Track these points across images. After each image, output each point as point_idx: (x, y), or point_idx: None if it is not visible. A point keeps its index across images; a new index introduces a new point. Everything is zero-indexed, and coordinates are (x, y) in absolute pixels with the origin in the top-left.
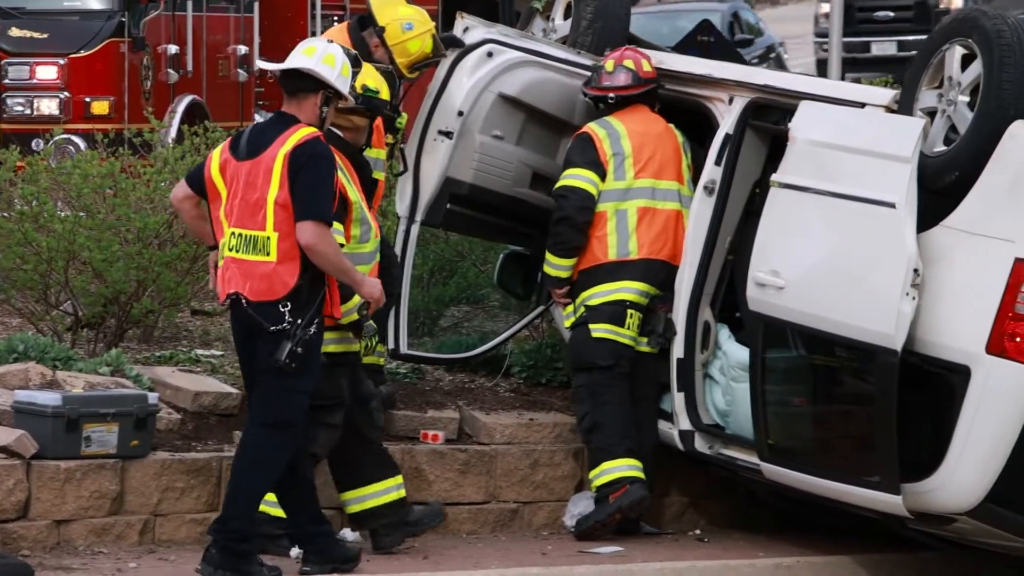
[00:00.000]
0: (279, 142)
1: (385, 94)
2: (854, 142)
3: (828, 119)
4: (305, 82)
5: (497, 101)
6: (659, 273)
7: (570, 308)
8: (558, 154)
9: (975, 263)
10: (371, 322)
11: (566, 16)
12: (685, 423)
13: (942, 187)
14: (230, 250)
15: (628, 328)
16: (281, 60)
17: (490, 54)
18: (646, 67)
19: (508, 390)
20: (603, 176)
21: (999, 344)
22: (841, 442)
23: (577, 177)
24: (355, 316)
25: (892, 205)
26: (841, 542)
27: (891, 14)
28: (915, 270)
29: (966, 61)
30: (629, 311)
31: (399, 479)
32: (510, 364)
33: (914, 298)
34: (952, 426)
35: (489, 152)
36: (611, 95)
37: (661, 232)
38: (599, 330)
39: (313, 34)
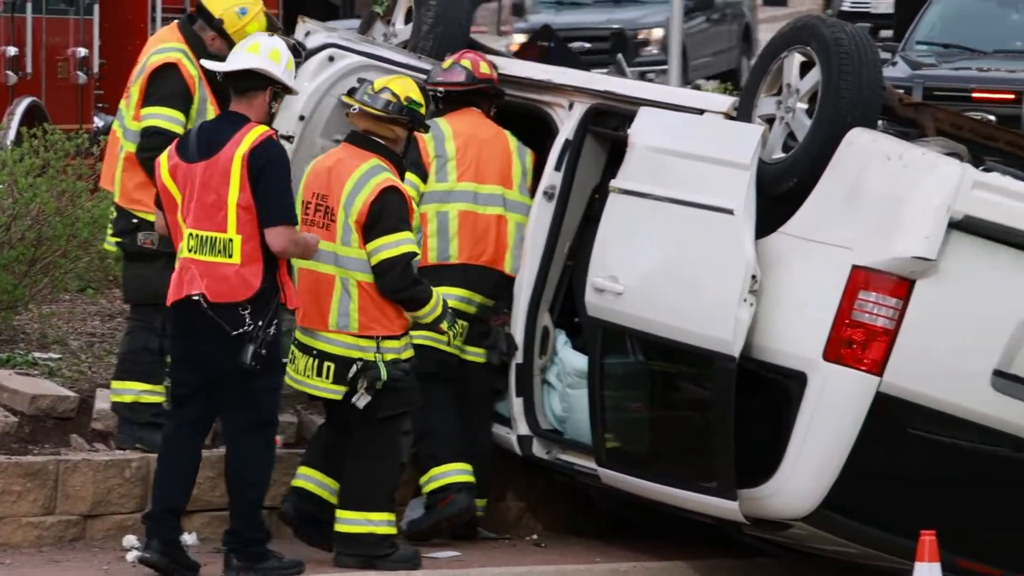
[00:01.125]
0: (234, 143)
1: (423, 109)
2: (693, 148)
3: (667, 125)
4: (254, 80)
5: (339, 105)
6: (481, 279)
7: None
8: None
9: (813, 270)
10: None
11: (407, 21)
12: (523, 428)
13: (780, 194)
14: (189, 251)
15: (443, 334)
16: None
17: (331, 58)
18: (483, 68)
19: None
20: (424, 178)
21: (835, 351)
22: (678, 448)
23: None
24: (439, 311)
25: (730, 211)
26: (678, 547)
27: (587, 45)
28: (753, 276)
29: (805, 68)
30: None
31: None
32: None
33: (752, 304)
34: (789, 432)
35: None
36: (440, 89)
37: (482, 237)
38: (419, 337)
39: None
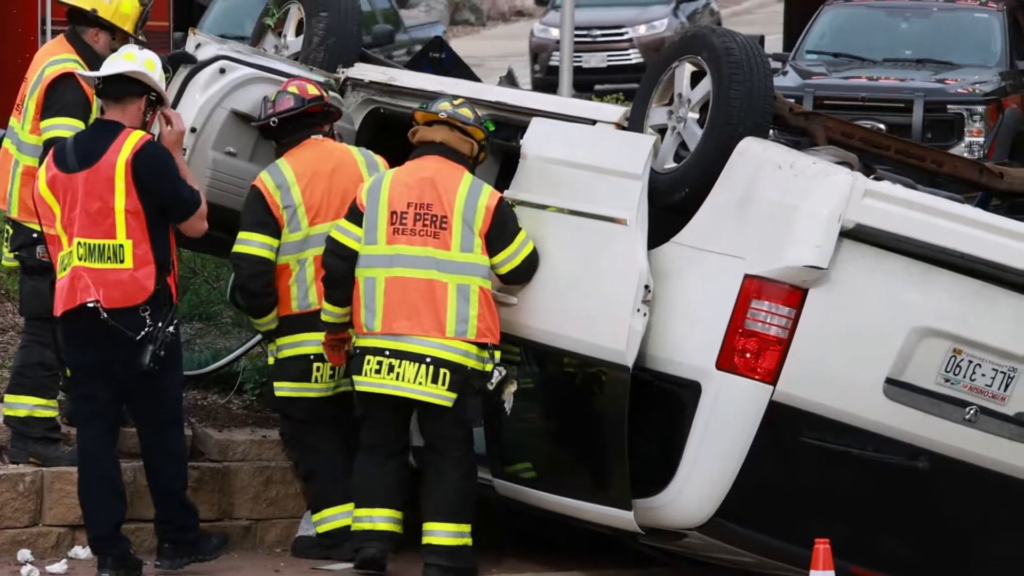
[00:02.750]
0: (114, 149)
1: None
2: (585, 159)
3: (559, 136)
4: (131, 86)
5: (230, 118)
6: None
7: (273, 346)
8: None
9: (706, 279)
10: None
11: (298, 33)
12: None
13: (673, 204)
14: (80, 259)
15: (318, 382)
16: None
17: (222, 70)
18: (311, 91)
19: (241, 407)
20: (278, 232)
21: (729, 360)
22: (573, 458)
23: (249, 243)
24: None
25: (623, 222)
26: (574, 558)
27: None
28: (646, 286)
29: (696, 78)
30: (316, 364)
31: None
32: (243, 381)
33: (645, 314)
34: (683, 442)
35: (222, 169)
36: (273, 119)
37: None
38: (283, 388)
39: None
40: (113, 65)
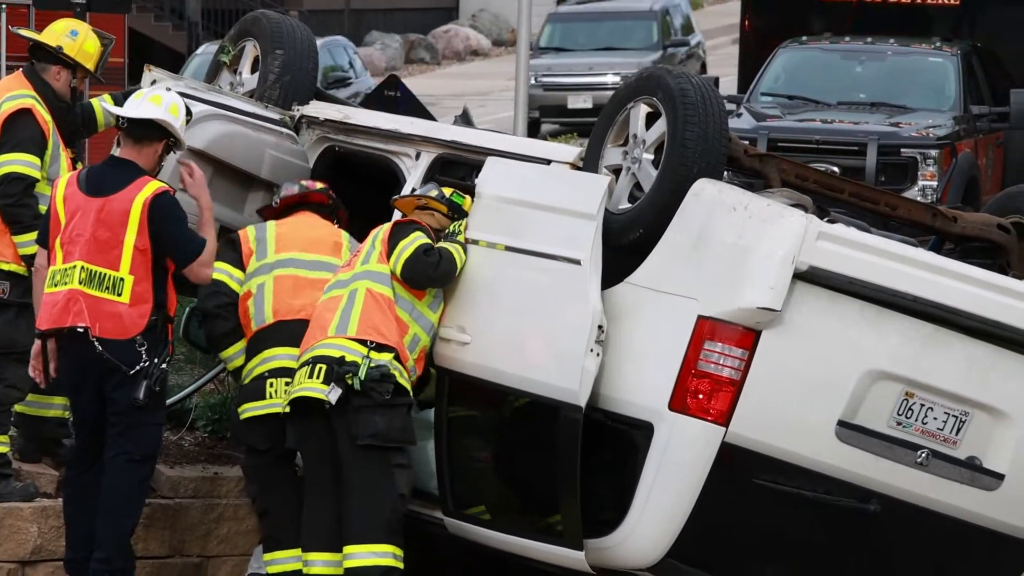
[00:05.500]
0: (134, 187)
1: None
2: (539, 198)
3: (514, 175)
4: (152, 131)
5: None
6: (303, 334)
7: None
8: (245, 207)
9: (659, 320)
10: None
11: (253, 70)
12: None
13: (627, 244)
14: (80, 283)
15: (271, 397)
16: None
17: None
18: (318, 186)
19: (193, 444)
20: (242, 266)
21: (682, 401)
22: (525, 498)
23: (218, 271)
24: None
25: (577, 262)
26: None
27: None
28: (599, 327)
29: (651, 119)
30: (268, 380)
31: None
32: (195, 418)
33: (598, 354)
34: (635, 482)
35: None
36: (275, 201)
37: (304, 296)
38: (247, 410)
39: None
40: (141, 109)
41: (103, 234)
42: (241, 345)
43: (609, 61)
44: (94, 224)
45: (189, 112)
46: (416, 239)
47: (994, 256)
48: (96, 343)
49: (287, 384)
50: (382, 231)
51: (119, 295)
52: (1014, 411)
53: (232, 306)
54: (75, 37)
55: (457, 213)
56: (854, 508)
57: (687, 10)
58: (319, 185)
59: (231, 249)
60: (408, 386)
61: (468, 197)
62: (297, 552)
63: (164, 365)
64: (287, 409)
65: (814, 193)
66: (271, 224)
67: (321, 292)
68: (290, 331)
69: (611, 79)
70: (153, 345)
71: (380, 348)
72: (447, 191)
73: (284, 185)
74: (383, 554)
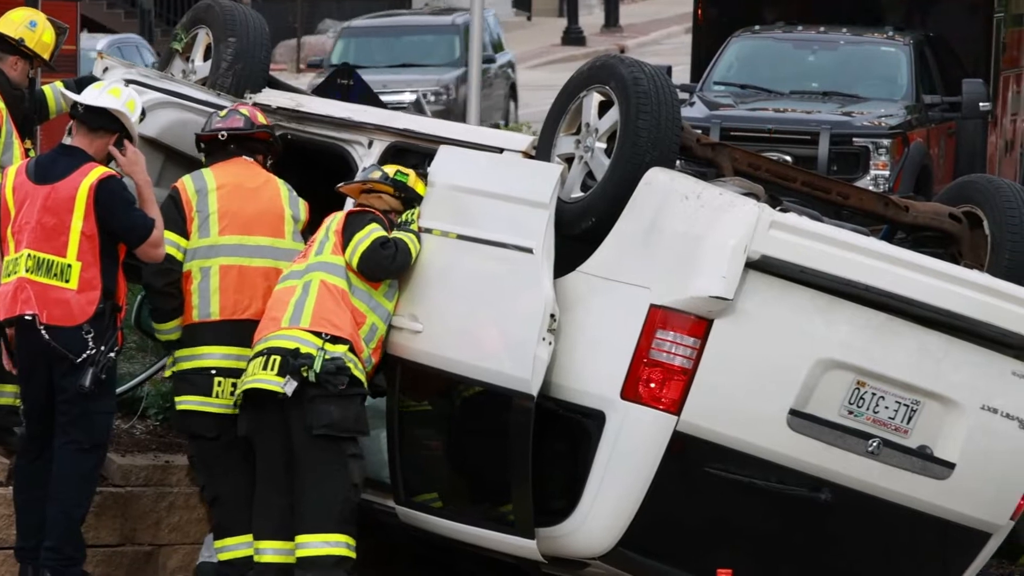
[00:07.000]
0: (80, 173)
1: (421, 189)
2: (492, 187)
3: (466, 164)
4: (107, 122)
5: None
6: (249, 333)
7: (171, 359)
8: None
9: (611, 308)
10: None
11: (206, 58)
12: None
13: (579, 233)
14: (27, 271)
15: (218, 397)
16: None
17: None
18: (261, 119)
19: (144, 432)
20: (187, 235)
21: (634, 389)
22: (477, 487)
23: (167, 242)
24: None
25: (529, 250)
26: None
27: None
28: (552, 315)
29: (604, 108)
30: (217, 379)
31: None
32: (146, 406)
33: (550, 343)
34: (587, 471)
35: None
36: (222, 133)
37: (247, 290)
38: (184, 402)
39: None
40: (99, 97)
41: (49, 221)
42: (179, 321)
43: (406, 79)
44: (40, 211)
45: (72, 91)
46: (372, 231)
47: (946, 245)
48: (43, 331)
49: (233, 385)
50: (335, 221)
51: (66, 281)
52: (965, 400)
53: (180, 282)
54: (34, 28)
55: (403, 191)
56: (806, 497)
57: (496, 28)
58: (262, 119)
59: (174, 207)
60: (362, 377)
61: (412, 172)
62: (248, 539)
63: (112, 353)
64: (236, 410)
65: (766, 182)
66: (209, 176)
67: (265, 280)
68: (238, 332)
69: (408, 97)
70: (100, 333)
71: (335, 340)
72: (390, 170)
73: (229, 114)
74: (336, 543)
